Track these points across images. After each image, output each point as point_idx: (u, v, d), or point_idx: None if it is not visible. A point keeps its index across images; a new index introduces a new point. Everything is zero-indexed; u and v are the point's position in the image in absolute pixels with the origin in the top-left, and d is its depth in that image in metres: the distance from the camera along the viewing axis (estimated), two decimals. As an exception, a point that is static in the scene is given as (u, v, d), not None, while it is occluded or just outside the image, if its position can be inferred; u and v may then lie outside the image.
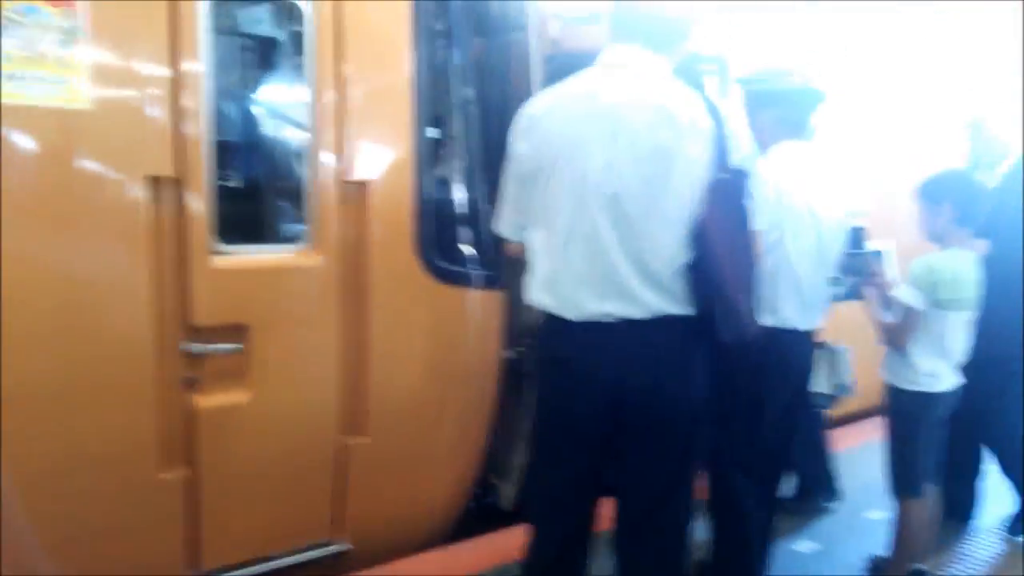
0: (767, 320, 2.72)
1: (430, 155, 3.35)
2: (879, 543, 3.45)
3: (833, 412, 3.88)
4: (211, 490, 2.99)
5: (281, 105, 3.91)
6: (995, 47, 5.66)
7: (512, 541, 3.45)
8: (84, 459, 2.71)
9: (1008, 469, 3.75)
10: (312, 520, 3.31)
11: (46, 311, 2.59)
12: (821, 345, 3.44)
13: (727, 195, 2.22)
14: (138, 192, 2.67)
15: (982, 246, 3.25)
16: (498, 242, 3.56)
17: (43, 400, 2.62)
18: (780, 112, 2.92)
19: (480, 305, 3.54)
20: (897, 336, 3.11)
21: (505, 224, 2.50)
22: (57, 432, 2.66)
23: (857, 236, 3.40)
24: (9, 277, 2.50)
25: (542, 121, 2.31)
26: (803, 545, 3.74)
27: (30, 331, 2.56)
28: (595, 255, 2.22)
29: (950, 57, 5.70)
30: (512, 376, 3.83)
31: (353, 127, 3.09)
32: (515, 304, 3.80)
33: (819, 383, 3.32)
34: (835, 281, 3.24)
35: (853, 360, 3.45)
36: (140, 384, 2.77)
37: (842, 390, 3.43)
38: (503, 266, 3.60)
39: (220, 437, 2.98)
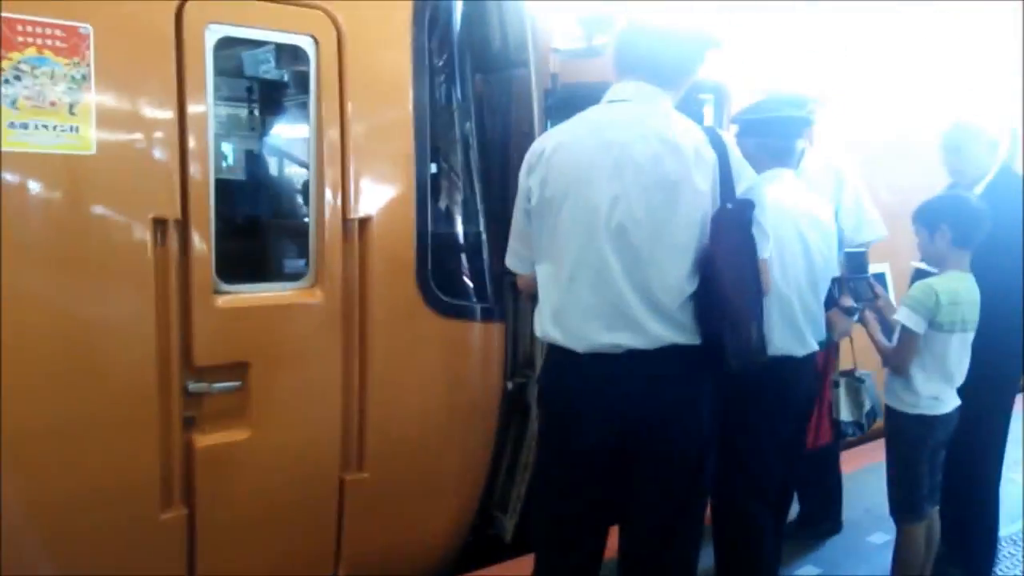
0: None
1: (431, 190, 3.37)
2: (881, 567, 3.46)
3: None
4: (210, 529, 2.97)
5: (284, 144, 3.93)
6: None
7: (513, 573, 3.45)
8: (86, 498, 2.69)
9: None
10: (311, 556, 3.29)
11: (52, 352, 2.59)
12: (845, 373, 3.47)
13: (733, 225, 2.25)
14: (143, 234, 2.68)
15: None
16: (499, 275, 3.60)
17: (45, 440, 2.61)
18: (764, 140, 2.96)
19: (482, 337, 3.55)
20: (899, 359, 3.13)
21: (514, 258, 2.53)
22: (62, 470, 2.65)
23: (858, 261, 3.43)
24: (17, 318, 2.51)
25: (551, 157, 2.34)
26: (806, 570, 3.74)
27: (36, 371, 2.56)
28: (602, 287, 2.24)
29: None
30: (513, 408, 3.83)
31: (355, 165, 3.11)
32: (516, 336, 3.82)
33: (842, 411, 3.33)
34: (851, 311, 3.27)
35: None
36: (142, 424, 2.76)
37: (872, 416, 3.44)
38: (504, 298, 3.62)
39: (218, 476, 2.97)
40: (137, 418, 2.76)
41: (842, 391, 3.36)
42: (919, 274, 3.42)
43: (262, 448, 3.02)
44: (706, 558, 2.59)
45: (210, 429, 2.95)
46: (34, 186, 2.51)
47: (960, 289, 3.10)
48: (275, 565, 3.18)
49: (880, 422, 3.46)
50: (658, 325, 2.23)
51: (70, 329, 2.62)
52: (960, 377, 3.19)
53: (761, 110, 3.04)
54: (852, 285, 3.32)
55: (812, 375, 3.12)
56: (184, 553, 2.94)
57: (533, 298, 2.51)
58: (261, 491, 3.06)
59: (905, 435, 3.18)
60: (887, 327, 3.24)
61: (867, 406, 3.39)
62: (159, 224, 2.71)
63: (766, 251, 2.34)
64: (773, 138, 2.95)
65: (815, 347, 2.99)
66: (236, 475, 3.00)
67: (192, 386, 2.87)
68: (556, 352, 2.37)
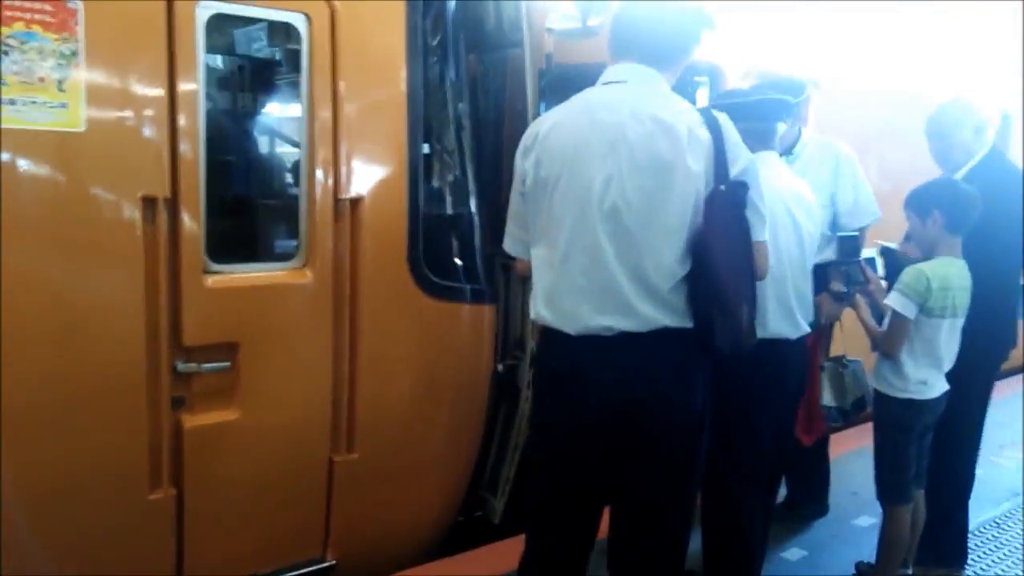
0: (758, 332, 2.73)
1: (423, 171, 3.35)
2: (867, 550, 3.49)
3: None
4: (198, 509, 2.97)
5: (275, 123, 3.90)
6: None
7: (502, 555, 3.46)
8: (74, 478, 2.69)
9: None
10: (300, 537, 3.30)
11: (40, 331, 2.57)
12: (834, 359, 3.48)
13: (726, 207, 2.24)
14: (133, 212, 2.65)
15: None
16: (490, 256, 3.59)
17: (33, 420, 2.60)
18: (746, 125, 2.96)
19: (472, 319, 3.54)
20: (888, 344, 3.15)
21: (512, 242, 2.52)
22: (50, 451, 2.64)
23: (851, 245, 3.43)
24: (4, 296, 2.48)
25: (545, 138, 2.33)
26: (791, 553, 3.78)
27: (24, 351, 2.54)
28: (595, 269, 2.24)
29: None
30: (503, 389, 3.84)
31: (347, 144, 3.09)
32: (507, 318, 3.82)
33: (824, 396, 3.34)
34: (840, 296, 3.28)
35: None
36: (130, 404, 2.75)
37: (860, 405, 3.43)
38: (495, 280, 3.61)
39: (207, 456, 2.96)
40: (126, 398, 2.74)
41: (825, 376, 3.37)
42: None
43: (251, 429, 3.02)
44: (694, 541, 2.60)
45: (199, 409, 2.94)
46: (23, 163, 2.48)
47: (951, 275, 3.11)
48: (264, 546, 3.19)
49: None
50: (650, 307, 2.23)
51: (58, 308, 2.60)
52: (949, 362, 3.21)
53: (740, 95, 3.04)
54: (844, 269, 3.32)
55: (803, 357, 3.13)
56: (173, 533, 2.94)
57: (525, 280, 2.51)
58: (250, 472, 3.06)
59: (893, 419, 3.20)
60: (877, 311, 3.25)
61: (853, 394, 3.39)
62: (148, 203, 2.68)
63: (762, 233, 2.33)
64: (755, 121, 2.94)
65: (807, 329, 3.00)
66: (225, 456, 2.99)
67: (181, 366, 2.86)
68: (549, 334, 2.37)
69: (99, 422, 2.71)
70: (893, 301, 3.10)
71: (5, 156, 2.45)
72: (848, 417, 3.46)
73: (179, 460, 2.91)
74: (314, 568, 3.32)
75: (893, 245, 3.49)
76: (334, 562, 3.35)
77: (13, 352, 2.52)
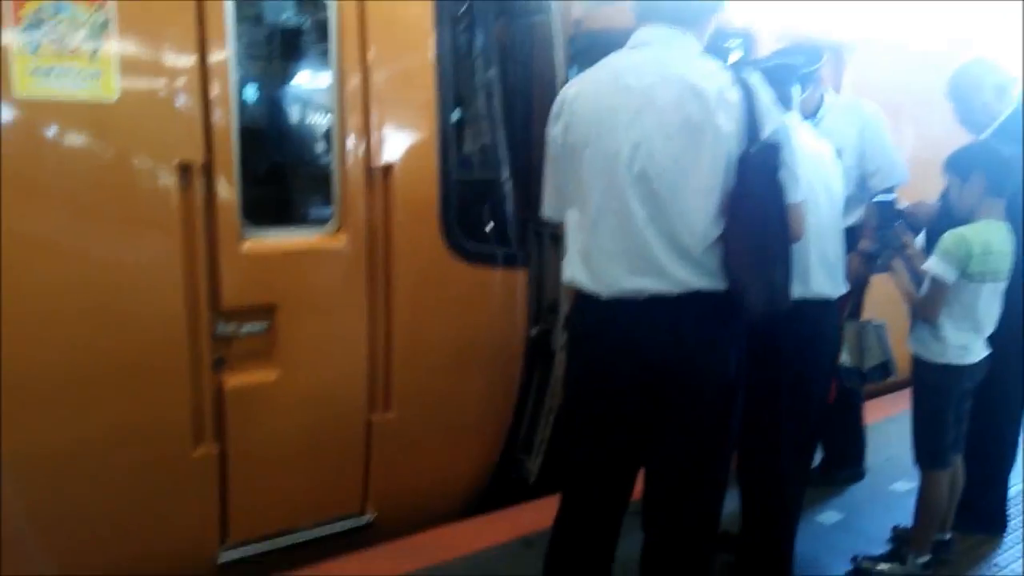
0: (800, 292, 2.67)
1: (454, 137, 3.37)
2: (903, 514, 3.46)
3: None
4: (240, 466, 3.08)
5: (307, 91, 3.94)
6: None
7: (536, 513, 3.51)
8: (122, 437, 2.80)
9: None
10: (339, 494, 3.40)
11: (82, 297, 2.66)
12: (858, 320, 3.44)
13: (758, 168, 2.20)
14: (169, 179, 2.72)
15: None
16: (523, 221, 3.60)
17: (82, 383, 2.70)
18: None
19: (505, 283, 3.57)
20: (927, 309, 3.09)
21: (548, 207, 2.52)
22: (100, 412, 2.75)
23: (888, 209, 3.37)
24: (47, 265, 2.59)
25: (572, 105, 2.33)
26: (827, 516, 3.76)
27: (70, 317, 2.65)
28: (626, 232, 2.23)
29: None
30: (537, 353, 3.87)
31: (378, 111, 3.12)
32: (541, 283, 3.83)
33: (842, 356, 3.29)
34: (870, 256, 3.22)
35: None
36: (173, 365, 2.85)
37: (881, 370, 3.37)
38: (528, 245, 3.62)
39: (248, 415, 3.06)
40: (169, 360, 2.84)
41: (846, 335, 3.32)
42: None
43: (290, 389, 3.11)
44: (731, 502, 2.59)
45: (239, 370, 3.03)
46: (59, 133, 2.56)
47: (992, 239, 3.03)
48: (304, 501, 3.29)
49: (894, 376, 3.43)
50: (682, 270, 2.22)
51: (101, 275, 2.69)
52: (990, 327, 3.15)
53: (755, 63, 3.00)
54: (881, 234, 3.26)
55: (839, 319, 3.10)
56: (216, 489, 3.05)
57: (557, 245, 2.51)
58: (290, 430, 3.16)
59: (931, 384, 3.16)
60: (916, 276, 3.19)
61: (874, 358, 3.34)
62: (184, 169, 2.75)
63: (796, 194, 2.29)
64: (770, 87, 2.90)
65: (844, 288, 2.97)
66: (265, 415, 3.09)
67: (221, 328, 2.95)
68: (582, 298, 2.37)
69: (145, 383, 2.81)
70: (932, 266, 3.04)
71: (42, 126, 2.52)
72: (866, 380, 3.41)
73: (221, 419, 3.01)
74: (353, 524, 3.42)
75: (890, 197, 3.41)
76: (372, 518, 3.45)
77: (62, 319, 2.62)
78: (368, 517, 3.45)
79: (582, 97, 2.32)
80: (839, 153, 3.11)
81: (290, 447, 3.18)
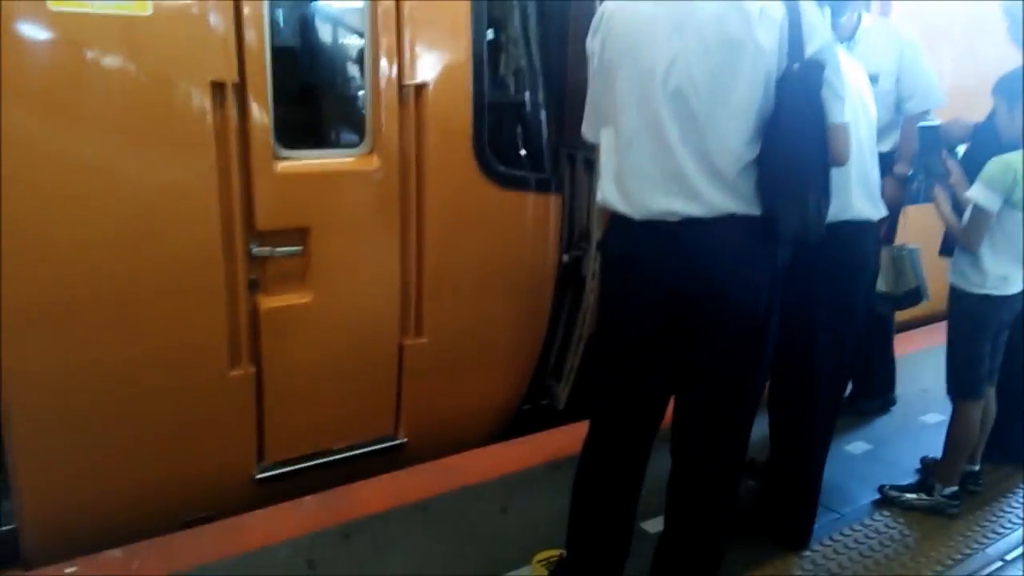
0: (841, 215, 2.63)
1: (488, 59, 3.30)
2: (932, 446, 3.46)
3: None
4: (276, 386, 3.13)
5: (339, 11, 3.87)
6: None
7: (564, 439, 3.55)
8: (161, 357, 2.86)
9: None
10: (373, 416, 3.46)
11: (117, 216, 2.68)
12: (893, 246, 3.39)
13: (798, 87, 2.12)
14: (202, 98, 2.70)
15: None
16: (556, 146, 3.55)
17: (121, 304, 2.74)
18: None
19: (538, 208, 3.55)
20: (968, 239, 3.03)
21: (588, 126, 2.46)
22: (138, 332, 2.79)
23: (931, 136, 3.28)
24: (83, 184, 2.59)
25: (609, 20, 2.26)
26: (855, 446, 3.77)
27: (107, 237, 2.67)
28: (659, 152, 2.18)
29: None
30: (569, 280, 3.86)
31: (410, 31, 3.06)
32: (573, 209, 3.80)
33: (879, 282, 3.24)
34: (905, 179, 3.15)
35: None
36: (208, 287, 2.88)
37: (914, 296, 3.34)
38: (561, 170, 3.57)
39: (283, 337, 3.09)
40: (205, 280, 2.87)
41: (883, 262, 3.27)
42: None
43: (324, 311, 3.14)
44: (758, 428, 2.59)
45: (274, 292, 3.06)
46: (92, 49, 2.53)
47: (1039, 166, 2.94)
48: (339, 423, 3.35)
49: (924, 307, 3.38)
50: (715, 192, 2.17)
51: (135, 194, 2.69)
52: (1033, 257, 3.08)
53: None
54: (923, 161, 3.19)
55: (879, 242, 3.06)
56: (253, 408, 3.11)
57: (590, 171, 2.44)
58: (324, 353, 3.20)
59: (969, 314, 3.11)
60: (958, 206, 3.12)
61: (908, 283, 3.29)
62: (217, 88, 2.73)
63: (841, 114, 2.21)
64: None
65: (884, 212, 2.92)
66: (300, 336, 3.13)
67: (255, 250, 2.96)
68: (615, 220, 2.34)
69: (181, 304, 2.84)
70: (976, 194, 2.96)
71: (76, 41, 2.49)
72: (898, 306, 3.38)
73: (257, 340, 3.05)
74: (386, 445, 3.49)
75: (934, 123, 3.33)
76: (405, 440, 3.52)
77: (98, 240, 2.64)
78: (400, 439, 3.51)
79: (621, 11, 2.24)
80: (875, 78, 3.03)
81: (324, 370, 3.22)
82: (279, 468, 3.25)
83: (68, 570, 2.62)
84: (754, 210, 2.20)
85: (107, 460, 2.87)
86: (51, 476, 2.79)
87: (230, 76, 2.73)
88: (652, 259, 2.25)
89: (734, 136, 2.15)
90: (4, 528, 3.02)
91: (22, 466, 2.75)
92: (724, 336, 2.26)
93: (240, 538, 2.83)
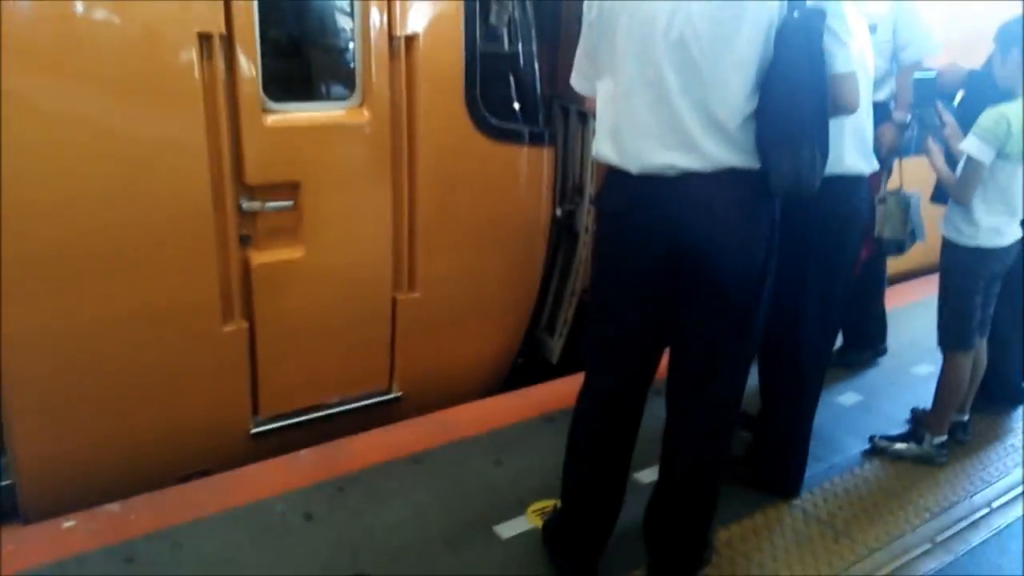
0: (834, 169, 2.57)
1: (480, 8, 3.24)
2: (923, 397, 3.49)
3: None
4: (269, 341, 3.13)
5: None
6: None
7: (557, 392, 3.57)
8: (154, 312, 2.84)
9: None
10: (367, 370, 3.47)
11: (106, 170, 2.64)
12: (893, 192, 3.40)
13: (798, 35, 2.09)
14: (189, 50, 2.65)
15: None
16: (549, 98, 3.50)
17: (111, 259, 2.72)
18: None
19: (531, 161, 3.52)
20: (961, 191, 3.02)
21: (578, 76, 2.42)
22: (131, 286, 2.78)
23: (927, 87, 3.25)
24: (69, 138, 2.55)
25: None
26: (847, 397, 3.80)
27: (95, 192, 2.63)
28: (659, 104, 2.14)
29: None
30: (562, 234, 3.85)
31: (401, -22, 3.00)
32: (566, 162, 3.77)
33: (886, 229, 3.26)
34: (903, 125, 3.13)
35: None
36: (199, 241, 2.86)
37: (913, 237, 3.38)
38: (554, 123, 3.53)
39: (275, 292, 3.09)
40: (195, 235, 2.85)
41: (889, 208, 3.27)
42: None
43: (316, 266, 3.12)
44: (752, 378, 2.60)
45: (265, 247, 3.05)
46: (77, 1, 2.47)
47: (1034, 117, 2.92)
48: (333, 377, 3.36)
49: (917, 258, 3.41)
50: (715, 145, 2.14)
51: (123, 148, 2.65)
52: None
53: None
54: (919, 112, 3.16)
55: (871, 195, 3.06)
56: (246, 362, 3.12)
57: (584, 124, 2.39)
58: (317, 307, 3.19)
59: (961, 266, 3.12)
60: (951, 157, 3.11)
61: (911, 227, 3.31)
62: (205, 39, 2.67)
63: (846, 63, 2.18)
64: None
65: (877, 165, 2.91)
66: (292, 291, 3.12)
67: (246, 205, 2.94)
68: (612, 174, 2.31)
69: (172, 258, 2.83)
70: (969, 146, 2.94)
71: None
72: (901, 250, 3.41)
73: (249, 296, 3.04)
74: (381, 399, 3.50)
75: (930, 75, 3.30)
76: (400, 394, 3.53)
77: (86, 196, 2.61)
78: (394, 394, 3.52)
79: None
80: (873, 28, 2.99)
81: (317, 324, 3.22)
82: (274, 423, 3.26)
83: (66, 524, 2.64)
84: (752, 163, 2.17)
85: (102, 416, 2.88)
86: (47, 432, 2.80)
87: (217, 27, 2.67)
88: (650, 214, 2.22)
89: (735, 88, 2.11)
90: (2, 484, 3.04)
91: (18, 422, 2.76)
92: (722, 289, 2.25)
93: (236, 492, 2.85)
